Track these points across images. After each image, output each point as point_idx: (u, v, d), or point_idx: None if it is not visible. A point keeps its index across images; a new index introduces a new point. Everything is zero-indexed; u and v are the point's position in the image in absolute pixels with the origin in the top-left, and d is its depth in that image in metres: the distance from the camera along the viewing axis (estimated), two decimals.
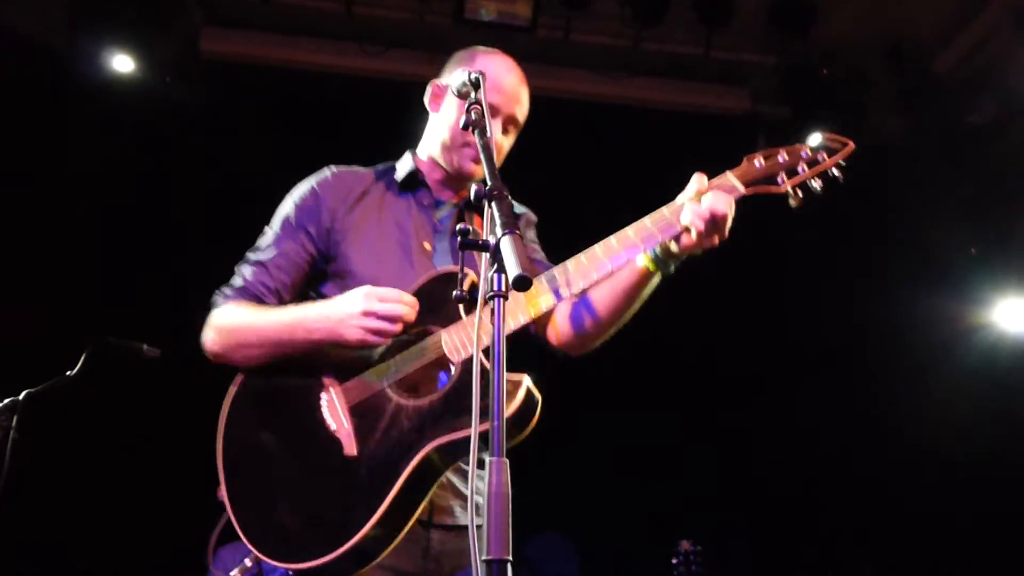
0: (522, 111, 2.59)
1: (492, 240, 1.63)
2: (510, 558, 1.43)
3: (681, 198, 2.24)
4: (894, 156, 6.81)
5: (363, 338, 2.17)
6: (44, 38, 5.95)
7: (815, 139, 2.32)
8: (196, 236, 5.98)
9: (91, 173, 5.92)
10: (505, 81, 2.54)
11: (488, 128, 1.93)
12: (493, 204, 1.68)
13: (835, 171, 2.27)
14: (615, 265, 2.20)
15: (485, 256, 1.66)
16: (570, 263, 2.23)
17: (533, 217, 2.79)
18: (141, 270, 5.88)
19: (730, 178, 2.26)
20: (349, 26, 6.14)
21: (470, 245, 1.67)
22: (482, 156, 1.86)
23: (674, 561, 5.02)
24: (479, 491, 1.93)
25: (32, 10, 5.85)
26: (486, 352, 1.84)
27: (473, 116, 1.99)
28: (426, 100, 2.66)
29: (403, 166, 2.63)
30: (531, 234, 2.74)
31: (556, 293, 2.19)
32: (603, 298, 2.37)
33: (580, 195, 5.85)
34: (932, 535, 6.22)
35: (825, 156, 2.28)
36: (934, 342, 6.59)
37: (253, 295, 2.41)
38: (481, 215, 1.75)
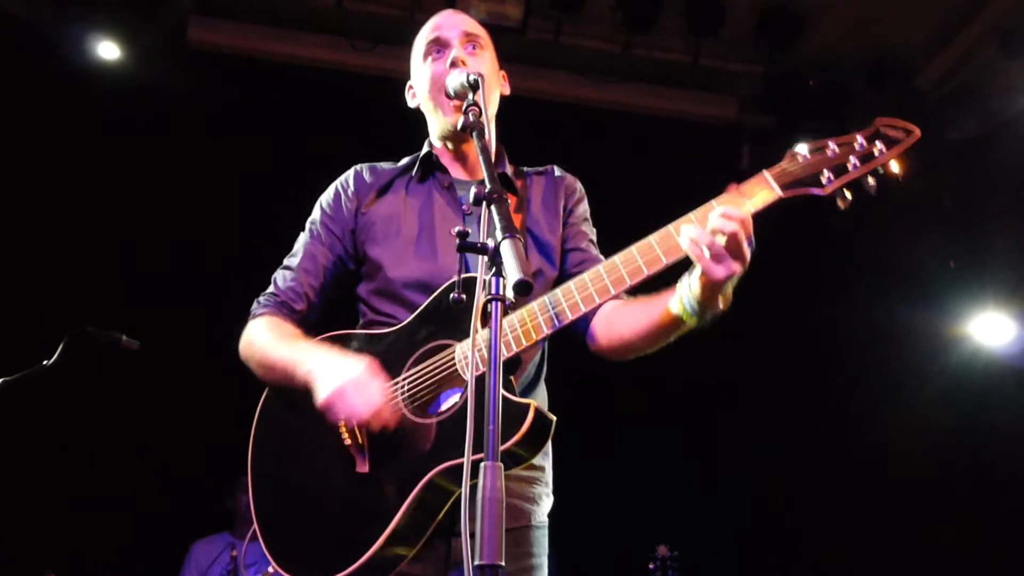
0: (476, 28, 2.50)
1: (491, 243, 1.62)
2: (503, 563, 1.42)
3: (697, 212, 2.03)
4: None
5: (324, 408, 2.12)
6: (29, 20, 5.87)
7: (871, 128, 1.95)
8: (178, 227, 5.93)
9: (73, 160, 5.86)
10: (441, 15, 2.54)
11: (487, 130, 1.92)
12: (492, 207, 1.68)
13: (895, 166, 1.91)
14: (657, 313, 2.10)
15: (483, 259, 1.64)
16: (576, 283, 2.12)
17: (576, 186, 2.65)
18: (122, 260, 5.82)
19: (767, 178, 1.99)
20: (339, 21, 6.11)
21: (469, 248, 1.66)
22: (480, 159, 1.86)
23: (651, 566, 5.04)
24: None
25: None
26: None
27: (471, 118, 1.99)
28: (410, 103, 2.64)
29: (422, 151, 2.59)
30: (580, 209, 2.61)
31: (556, 319, 2.09)
32: (638, 327, 2.24)
33: None
34: (909, 546, 6.29)
35: (883, 147, 1.93)
36: (911, 355, 6.65)
37: (282, 302, 2.44)
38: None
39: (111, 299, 5.47)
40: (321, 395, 2.10)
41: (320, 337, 2.37)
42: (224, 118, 5.92)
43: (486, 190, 1.71)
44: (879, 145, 1.95)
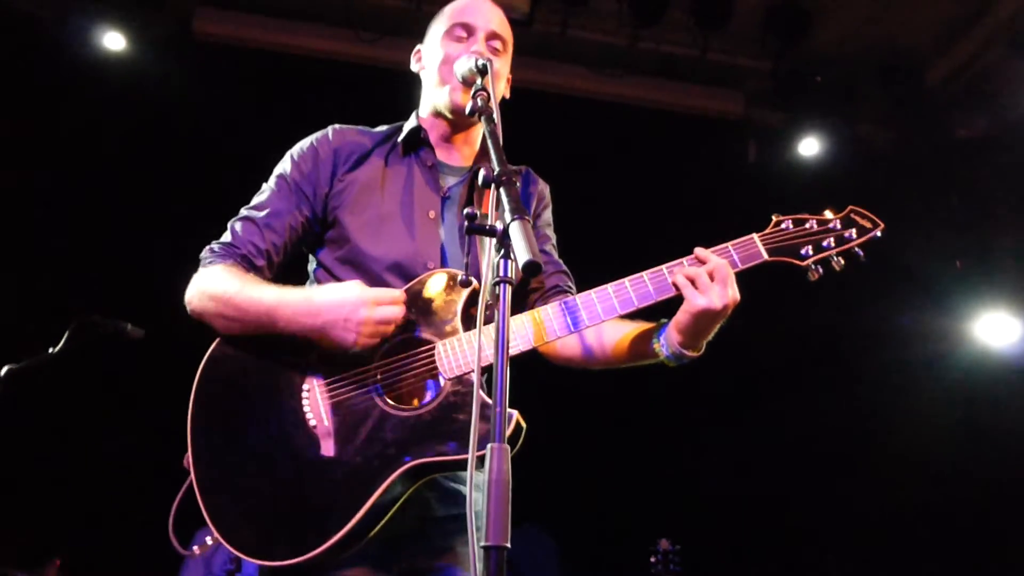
0: (505, 29, 2.46)
1: (500, 226, 1.61)
2: (508, 545, 1.41)
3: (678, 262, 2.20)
4: (882, 167, 6.86)
5: (356, 342, 2.05)
6: (35, 12, 5.87)
7: (844, 212, 2.25)
8: (183, 217, 5.92)
9: (79, 150, 5.86)
10: (480, 3, 2.46)
11: (496, 115, 1.91)
12: (501, 189, 1.66)
13: (859, 250, 2.21)
14: (624, 311, 2.14)
15: (491, 242, 1.64)
16: (585, 298, 2.16)
17: (544, 190, 2.63)
18: (128, 249, 5.82)
19: (756, 242, 2.20)
20: (345, 12, 6.11)
21: (477, 230, 1.64)
22: (489, 143, 1.84)
23: (652, 560, 5.03)
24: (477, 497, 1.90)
25: None
26: (486, 370, 1.83)
27: (479, 103, 1.98)
28: (412, 66, 2.59)
29: (408, 124, 2.50)
30: (547, 214, 2.61)
31: (575, 324, 2.13)
32: (617, 344, 2.30)
33: (568, 190, 5.84)
34: (912, 544, 6.28)
35: (854, 234, 2.22)
36: (917, 354, 6.63)
37: (242, 255, 2.28)
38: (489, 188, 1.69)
39: (117, 288, 5.47)
40: (324, 315, 2.04)
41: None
42: (229, 109, 5.92)
43: (495, 172, 1.71)
44: (851, 231, 2.22)
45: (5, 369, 3.73)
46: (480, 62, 2.08)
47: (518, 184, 1.71)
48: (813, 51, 6.36)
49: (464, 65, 2.19)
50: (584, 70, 6.46)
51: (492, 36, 2.41)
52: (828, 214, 2.24)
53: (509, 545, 1.42)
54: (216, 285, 2.19)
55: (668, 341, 2.16)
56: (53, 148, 5.87)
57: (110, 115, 5.85)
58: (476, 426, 1.61)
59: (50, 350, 3.87)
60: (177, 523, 2.22)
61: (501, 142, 1.85)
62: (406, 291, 2.18)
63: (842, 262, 2.20)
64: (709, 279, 2.07)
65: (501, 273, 1.59)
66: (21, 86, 5.79)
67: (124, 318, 4.14)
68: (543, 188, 2.62)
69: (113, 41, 5.89)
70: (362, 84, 6.16)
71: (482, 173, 1.72)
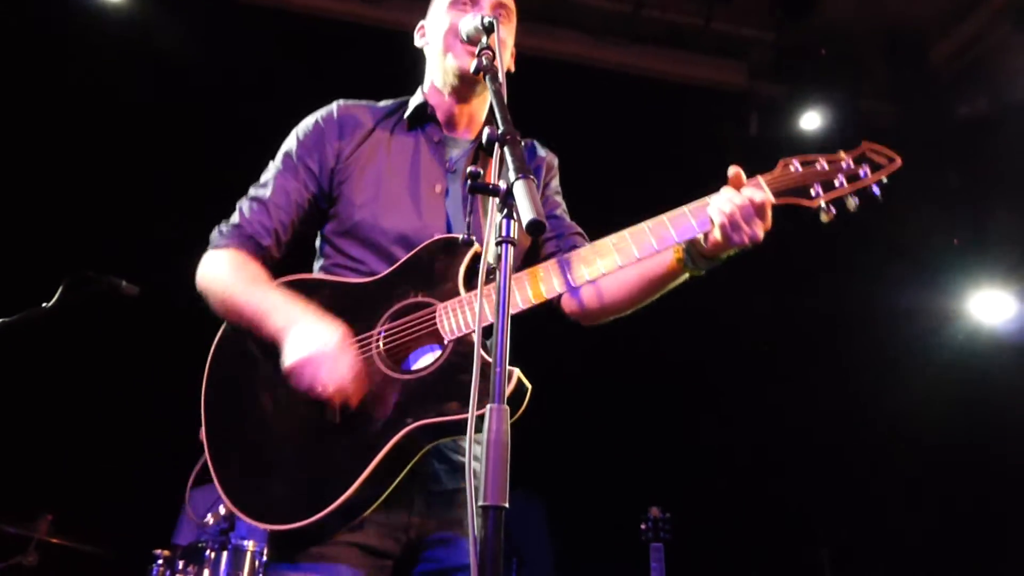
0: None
1: (504, 185, 1.59)
2: (506, 505, 1.42)
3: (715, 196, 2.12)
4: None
5: (289, 375, 2.04)
6: None
7: (858, 150, 2.14)
8: (182, 174, 5.90)
9: (78, 104, 5.80)
10: None
11: (501, 73, 1.89)
12: (506, 148, 1.64)
13: (875, 188, 2.09)
14: (643, 255, 2.07)
15: (494, 201, 1.62)
16: (595, 246, 2.12)
17: (551, 159, 2.60)
18: (125, 205, 5.79)
19: (761, 184, 2.12)
20: None
21: (480, 189, 1.62)
22: (493, 101, 1.82)
23: (643, 527, 5.08)
24: (475, 470, 1.90)
25: None
26: (486, 331, 1.81)
27: (484, 61, 1.95)
28: (416, 42, 2.57)
29: (414, 100, 2.48)
30: (555, 183, 2.59)
31: (568, 282, 2.07)
32: (627, 282, 2.25)
33: (568, 159, 5.81)
34: (904, 515, 6.34)
35: (868, 171, 2.11)
36: (910, 332, 6.65)
37: (249, 235, 2.29)
38: (493, 157, 1.67)
39: (113, 244, 5.45)
40: (289, 359, 2.02)
41: (284, 279, 2.26)
42: (230, 66, 5.86)
43: (499, 131, 1.68)
44: (865, 167, 2.11)
45: None
46: (486, 20, 2.05)
47: (522, 143, 1.67)
48: (818, 24, 6.30)
49: (469, 24, 2.16)
50: (587, 37, 6.40)
51: (498, 4, 2.38)
52: (841, 153, 2.13)
53: (507, 505, 1.42)
54: (219, 276, 2.24)
55: (692, 258, 2.12)
56: (51, 101, 5.80)
57: (109, 68, 5.78)
58: (476, 385, 1.60)
59: (43, 305, 3.86)
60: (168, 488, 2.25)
61: (505, 100, 1.83)
62: (408, 258, 2.19)
63: (856, 201, 2.09)
64: (739, 214, 2.01)
65: (503, 233, 1.57)
66: (18, 39, 5.71)
67: (119, 275, 4.13)
68: (551, 159, 2.61)
69: None
70: (366, 45, 6.09)
71: (486, 131, 1.70)
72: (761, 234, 2.03)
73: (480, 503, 1.42)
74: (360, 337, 2.13)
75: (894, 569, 6.34)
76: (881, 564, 6.39)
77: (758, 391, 6.54)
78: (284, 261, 2.36)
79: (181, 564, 4.65)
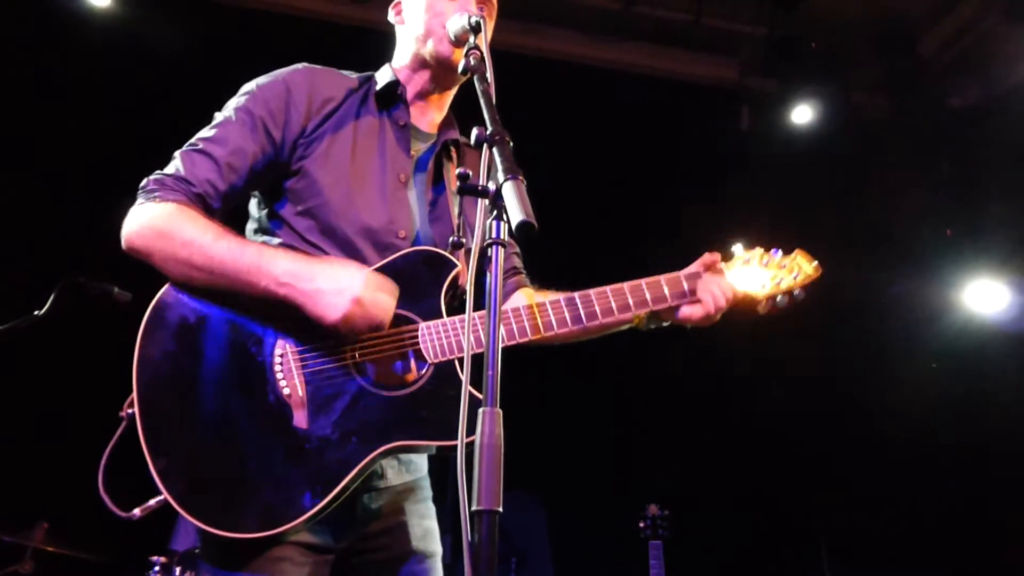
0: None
1: (492, 186, 1.57)
2: (500, 509, 1.40)
3: (691, 268, 2.29)
4: (875, 134, 6.83)
5: (341, 318, 1.93)
6: None
7: (794, 257, 2.39)
8: None
9: (64, 109, 5.76)
10: None
11: (489, 73, 1.88)
12: (495, 149, 1.62)
13: (802, 293, 2.37)
14: (618, 315, 2.18)
15: (483, 203, 1.60)
16: (585, 298, 2.17)
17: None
18: (118, 211, 5.76)
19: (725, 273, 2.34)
20: None
21: (469, 191, 1.60)
22: (481, 101, 1.80)
23: (641, 524, 5.07)
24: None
25: None
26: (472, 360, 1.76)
27: (472, 62, 1.93)
28: (391, 18, 2.46)
29: (382, 76, 2.35)
30: None
31: (577, 320, 2.15)
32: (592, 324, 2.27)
33: (560, 156, 5.81)
34: (899, 510, 6.34)
35: (798, 276, 2.37)
36: (905, 322, 6.66)
37: (198, 194, 2.05)
38: (453, 161, 1.72)
39: (104, 250, 5.41)
40: (331, 316, 1.92)
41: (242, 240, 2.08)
42: (218, 68, 5.82)
43: (488, 131, 1.67)
44: (796, 275, 2.37)
45: None
46: (473, 19, 2.04)
47: (511, 143, 1.66)
48: (808, 18, 6.30)
49: (457, 23, 2.14)
50: (577, 35, 6.38)
51: None
52: (776, 252, 2.39)
53: (501, 509, 1.40)
54: (180, 226, 1.98)
55: (652, 320, 2.28)
56: (37, 105, 5.78)
57: (95, 71, 5.76)
58: (465, 412, 1.56)
59: (35, 312, 3.84)
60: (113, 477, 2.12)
61: (494, 101, 1.81)
62: (386, 264, 2.10)
63: (786, 300, 2.36)
64: (719, 296, 2.25)
65: (494, 234, 1.56)
66: (5, 43, 5.68)
67: (111, 281, 4.11)
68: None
69: None
70: (353, 45, 6.06)
71: (475, 132, 1.68)
72: (718, 319, 2.30)
73: (473, 508, 1.41)
74: (334, 343, 2.02)
75: (891, 561, 6.35)
76: (878, 557, 6.39)
77: (753, 386, 6.54)
78: None
79: (178, 570, 4.63)
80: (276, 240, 2.15)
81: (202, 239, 1.96)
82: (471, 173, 1.63)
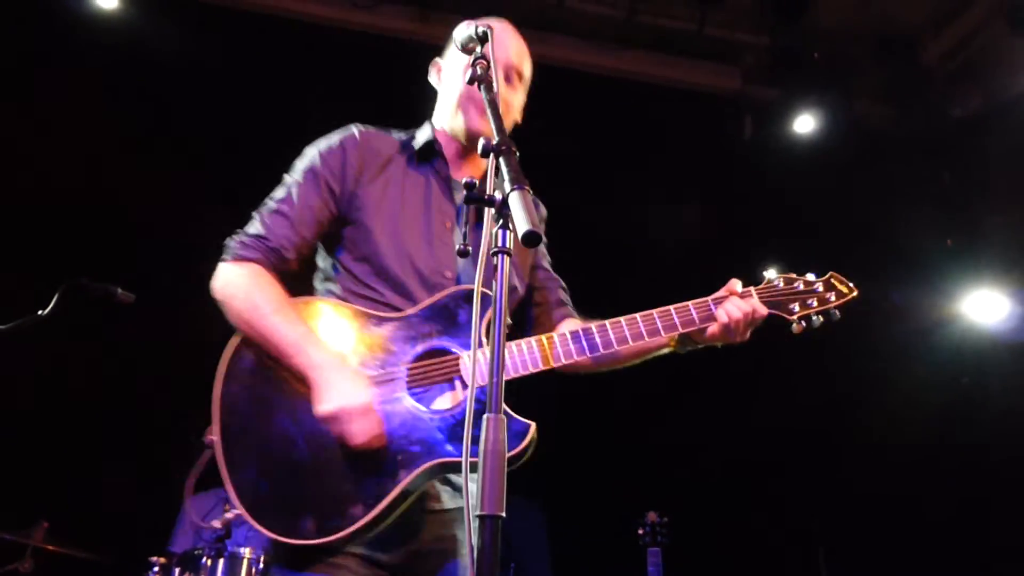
0: (527, 65, 2.59)
1: (499, 195, 1.60)
2: (503, 514, 1.42)
3: (719, 293, 2.46)
4: (877, 144, 6.86)
5: (327, 420, 2.16)
6: None
7: (827, 279, 2.56)
8: (175, 180, 5.89)
9: (68, 111, 5.78)
10: (506, 35, 2.55)
11: (495, 83, 1.90)
12: (501, 159, 1.66)
13: (837, 312, 2.52)
14: (650, 341, 2.39)
15: (489, 211, 1.63)
16: (613, 327, 2.36)
17: (543, 211, 2.74)
18: (121, 212, 5.79)
19: (754, 296, 2.48)
20: None
21: (476, 200, 1.65)
22: (488, 111, 1.84)
23: (640, 531, 5.08)
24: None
25: None
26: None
27: (479, 71, 1.97)
28: (431, 79, 2.65)
29: (422, 135, 2.58)
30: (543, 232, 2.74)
31: (591, 348, 2.33)
32: (619, 352, 2.44)
33: (562, 163, 5.83)
34: (899, 516, 6.34)
35: (832, 297, 2.51)
36: (906, 331, 6.66)
37: (274, 249, 2.35)
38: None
39: (108, 251, 5.44)
40: (323, 407, 2.14)
41: (309, 299, 2.35)
42: (221, 72, 5.86)
43: (494, 142, 1.69)
44: (831, 295, 2.53)
45: None
46: (480, 29, 2.05)
47: (517, 154, 1.69)
48: (810, 27, 6.32)
49: (463, 33, 2.16)
50: (580, 43, 6.40)
51: (511, 70, 2.52)
52: (811, 276, 2.55)
53: (504, 514, 1.42)
54: (244, 293, 2.28)
55: (683, 341, 2.50)
56: (44, 108, 5.80)
57: (102, 74, 5.78)
58: (470, 422, 1.63)
59: (39, 312, 3.87)
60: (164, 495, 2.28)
61: (500, 111, 1.84)
62: (434, 301, 2.32)
63: (821, 319, 2.50)
64: (742, 321, 2.40)
65: (499, 243, 1.58)
66: (10, 45, 5.70)
67: (114, 282, 4.13)
68: (542, 210, 2.75)
69: (105, 0, 5.81)
70: (356, 50, 6.10)
71: (481, 142, 1.72)
72: (748, 337, 2.45)
73: (477, 513, 1.43)
74: (387, 371, 2.25)
75: (891, 569, 6.35)
76: (877, 564, 6.40)
77: (754, 393, 6.55)
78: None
79: (177, 571, 4.64)
80: (338, 286, 2.42)
81: (264, 308, 2.25)
82: (477, 182, 1.70)
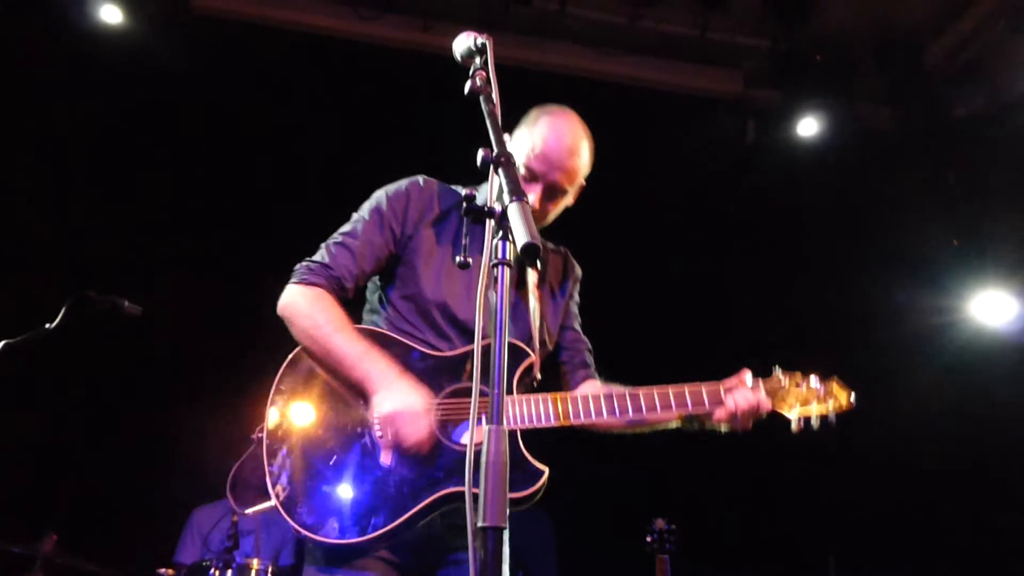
0: (567, 176, 2.71)
1: (498, 207, 1.60)
2: (505, 526, 1.43)
3: (730, 381, 2.64)
4: (880, 145, 6.85)
5: (379, 418, 2.37)
6: None
7: (829, 385, 2.68)
8: (180, 193, 5.91)
9: (74, 126, 5.82)
10: (549, 147, 2.66)
11: (494, 95, 1.90)
12: (500, 171, 1.66)
13: (833, 417, 2.67)
14: (661, 415, 2.59)
15: (490, 223, 1.64)
16: (633, 394, 2.58)
17: (579, 272, 2.95)
18: (128, 226, 5.81)
19: (761, 390, 2.65)
20: None
21: (474, 211, 1.68)
22: (487, 123, 1.83)
23: (648, 539, 5.05)
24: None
25: None
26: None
27: (478, 82, 1.96)
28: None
29: (482, 196, 2.56)
30: (577, 294, 2.96)
31: (608, 413, 2.55)
32: (628, 419, 2.64)
33: None
34: (906, 523, 6.31)
35: (831, 405, 2.68)
36: (912, 333, 6.64)
37: (336, 277, 2.57)
38: (536, 266, 1.87)
39: (115, 264, 5.46)
40: (383, 408, 2.34)
41: (363, 328, 2.59)
42: (226, 85, 5.88)
43: (494, 154, 1.70)
44: (830, 403, 2.69)
45: (2, 344, 3.74)
46: (479, 41, 2.04)
47: (516, 166, 1.70)
48: (812, 30, 6.32)
49: (463, 44, 2.15)
50: (582, 49, 6.40)
51: (552, 187, 2.68)
52: (814, 381, 2.70)
53: (506, 526, 1.43)
54: (310, 311, 2.50)
55: (690, 419, 2.67)
56: (49, 123, 5.83)
57: (106, 89, 5.81)
58: (472, 441, 1.69)
59: (47, 325, 3.88)
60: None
61: (499, 122, 1.84)
62: (475, 348, 2.40)
63: (818, 423, 2.66)
64: (748, 412, 2.60)
65: (499, 255, 1.59)
66: (14, 59, 5.73)
67: (121, 295, 4.14)
68: (578, 271, 2.98)
69: (110, 14, 5.83)
70: (361, 61, 6.10)
71: (481, 153, 1.72)
72: (750, 428, 2.63)
73: (479, 524, 1.44)
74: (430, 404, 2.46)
75: (899, 574, 6.33)
76: (888, 570, 6.37)
77: None
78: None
79: None
80: (383, 319, 2.65)
81: (327, 327, 2.47)
82: (476, 195, 1.80)
